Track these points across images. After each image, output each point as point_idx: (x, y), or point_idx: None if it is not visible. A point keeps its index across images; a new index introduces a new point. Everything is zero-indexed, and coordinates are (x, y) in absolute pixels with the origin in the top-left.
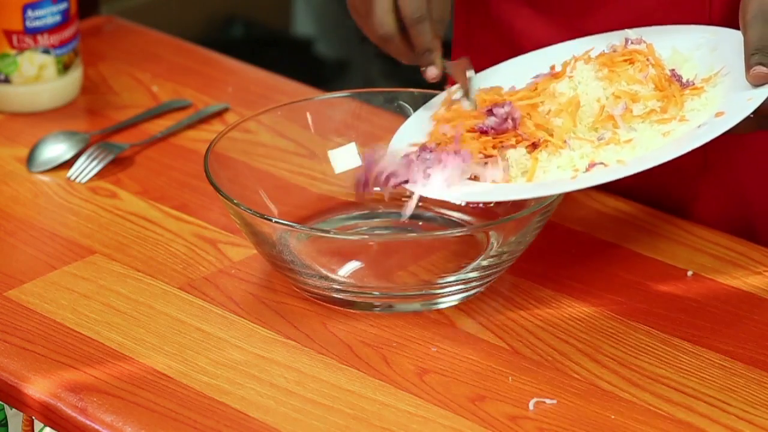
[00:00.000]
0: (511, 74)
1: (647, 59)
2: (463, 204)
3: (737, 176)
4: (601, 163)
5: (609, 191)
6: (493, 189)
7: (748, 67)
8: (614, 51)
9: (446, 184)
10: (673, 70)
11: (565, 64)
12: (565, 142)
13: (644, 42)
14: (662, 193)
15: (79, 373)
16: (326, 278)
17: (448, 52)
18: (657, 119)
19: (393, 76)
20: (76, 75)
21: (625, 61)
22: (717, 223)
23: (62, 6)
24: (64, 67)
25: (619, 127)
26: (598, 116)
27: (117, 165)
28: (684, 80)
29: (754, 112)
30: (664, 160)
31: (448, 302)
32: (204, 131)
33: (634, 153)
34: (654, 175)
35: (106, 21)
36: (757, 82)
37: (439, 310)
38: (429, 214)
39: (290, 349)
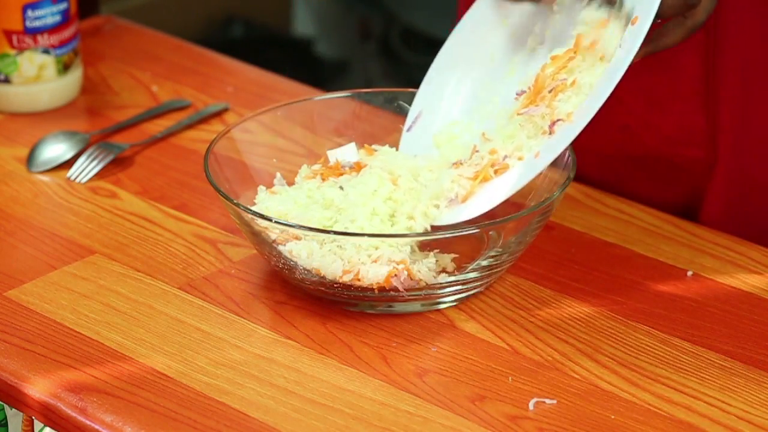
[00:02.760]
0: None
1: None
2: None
3: (746, 172)
4: (560, 120)
5: (611, 192)
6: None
7: None
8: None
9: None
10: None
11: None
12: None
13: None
14: (670, 191)
15: (79, 373)
16: (326, 278)
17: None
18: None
19: (393, 76)
20: (76, 75)
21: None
22: (722, 223)
23: (62, 6)
24: (64, 67)
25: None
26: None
27: (117, 165)
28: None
29: (660, 17)
30: (602, 100)
31: (448, 302)
32: (204, 131)
33: (581, 93)
34: (664, 173)
35: (106, 21)
36: None
37: (439, 310)
38: None
39: (290, 349)
